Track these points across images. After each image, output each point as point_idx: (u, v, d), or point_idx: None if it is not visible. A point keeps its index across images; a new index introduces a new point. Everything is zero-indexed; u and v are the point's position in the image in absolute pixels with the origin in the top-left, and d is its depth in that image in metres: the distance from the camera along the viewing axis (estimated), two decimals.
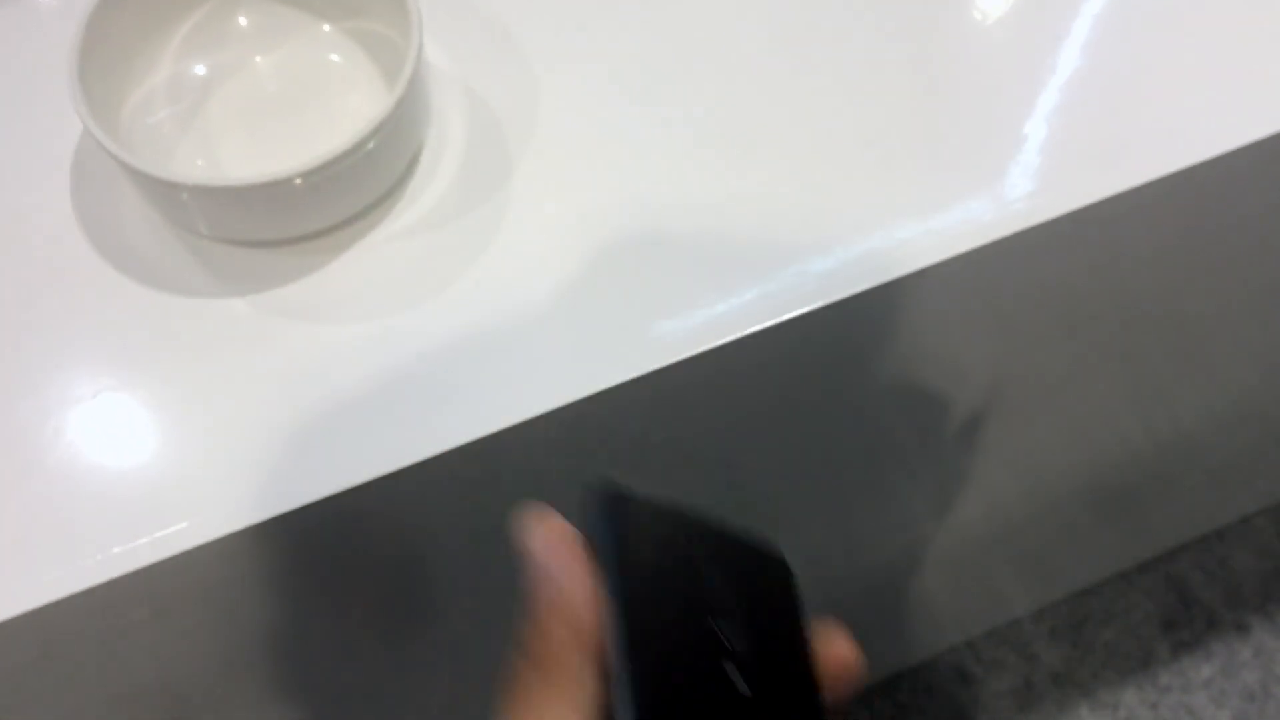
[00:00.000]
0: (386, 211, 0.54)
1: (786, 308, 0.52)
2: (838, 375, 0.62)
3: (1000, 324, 0.67)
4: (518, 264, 0.53)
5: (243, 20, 0.54)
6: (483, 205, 0.54)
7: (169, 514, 0.47)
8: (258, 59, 0.55)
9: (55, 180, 0.55)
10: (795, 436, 0.68)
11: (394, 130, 0.49)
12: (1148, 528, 1.27)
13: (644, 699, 0.32)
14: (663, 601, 0.34)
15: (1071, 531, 1.16)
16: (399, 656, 0.67)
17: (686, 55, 0.59)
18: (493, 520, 0.40)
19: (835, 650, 0.36)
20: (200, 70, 0.55)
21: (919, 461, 0.92)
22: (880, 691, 1.28)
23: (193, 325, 0.52)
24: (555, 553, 0.33)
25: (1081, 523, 1.16)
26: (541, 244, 0.53)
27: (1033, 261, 0.59)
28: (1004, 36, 0.61)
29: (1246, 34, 0.61)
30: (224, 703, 0.62)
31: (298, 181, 0.47)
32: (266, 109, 0.54)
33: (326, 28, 0.55)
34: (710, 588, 0.35)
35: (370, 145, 0.48)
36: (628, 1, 0.61)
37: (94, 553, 0.47)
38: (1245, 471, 1.24)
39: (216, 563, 0.48)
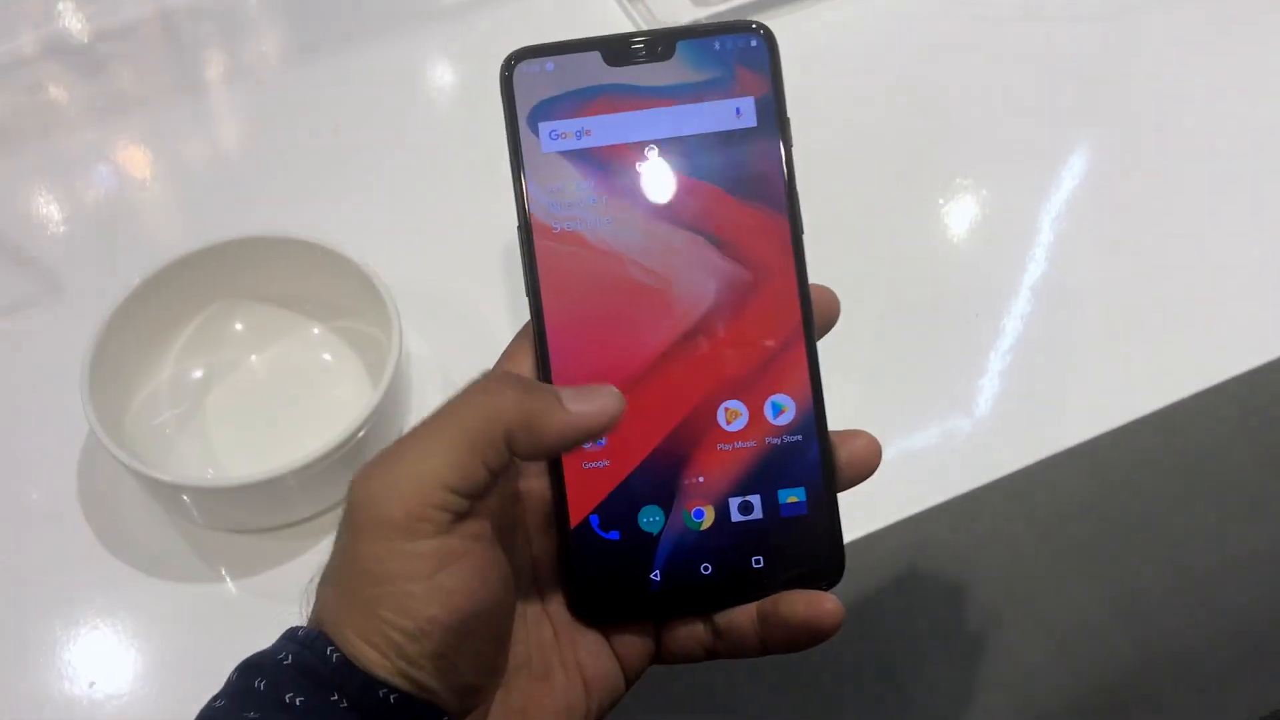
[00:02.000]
0: None
1: None
2: None
3: (986, 543, 0.70)
4: None
5: (239, 326, 0.60)
6: None
7: None
8: (253, 358, 0.60)
9: (63, 470, 0.58)
10: (785, 664, 0.70)
11: (379, 422, 0.53)
12: None
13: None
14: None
15: None
16: None
17: None
18: None
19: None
20: (199, 373, 0.59)
21: (914, 689, 0.93)
22: None
23: (187, 610, 0.54)
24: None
25: None
26: None
27: (1015, 486, 0.62)
28: (972, 285, 0.66)
29: (1193, 293, 0.66)
30: None
31: (290, 480, 0.50)
32: (261, 405, 0.59)
33: (316, 330, 0.60)
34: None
35: (358, 437, 0.52)
36: None
37: None
38: (1233, 683, 1.24)
39: None
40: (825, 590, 0.37)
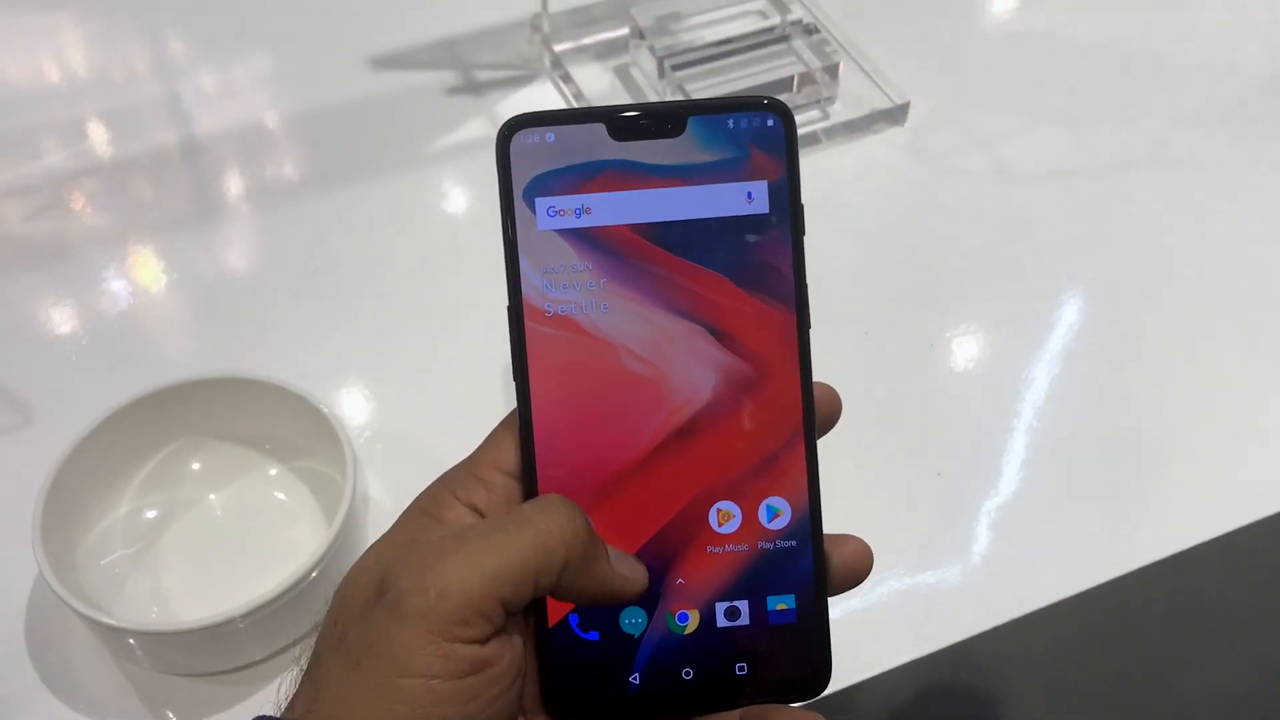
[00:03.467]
0: None
1: None
2: None
3: (983, 687, 0.69)
4: None
5: (196, 465, 0.60)
6: None
7: None
8: (211, 497, 0.60)
9: (11, 608, 0.57)
10: None
11: (331, 565, 0.53)
12: None
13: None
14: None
15: None
16: None
17: None
18: None
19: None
20: (155, 512, 0.59)
21: None
22: None
23: None
24: None
25: None
26: None
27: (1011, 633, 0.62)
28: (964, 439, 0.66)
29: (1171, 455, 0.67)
30: None
31: (239, 623, 0.50)
32: (215, 544, 0.58)
33: (273, 471, 0.60)
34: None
35: (310, 578, 0.52)
36: None
37: None
38: None
39: None
40: (810, 698, 0.36)
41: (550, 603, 0.35)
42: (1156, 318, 0.73)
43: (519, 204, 0.35)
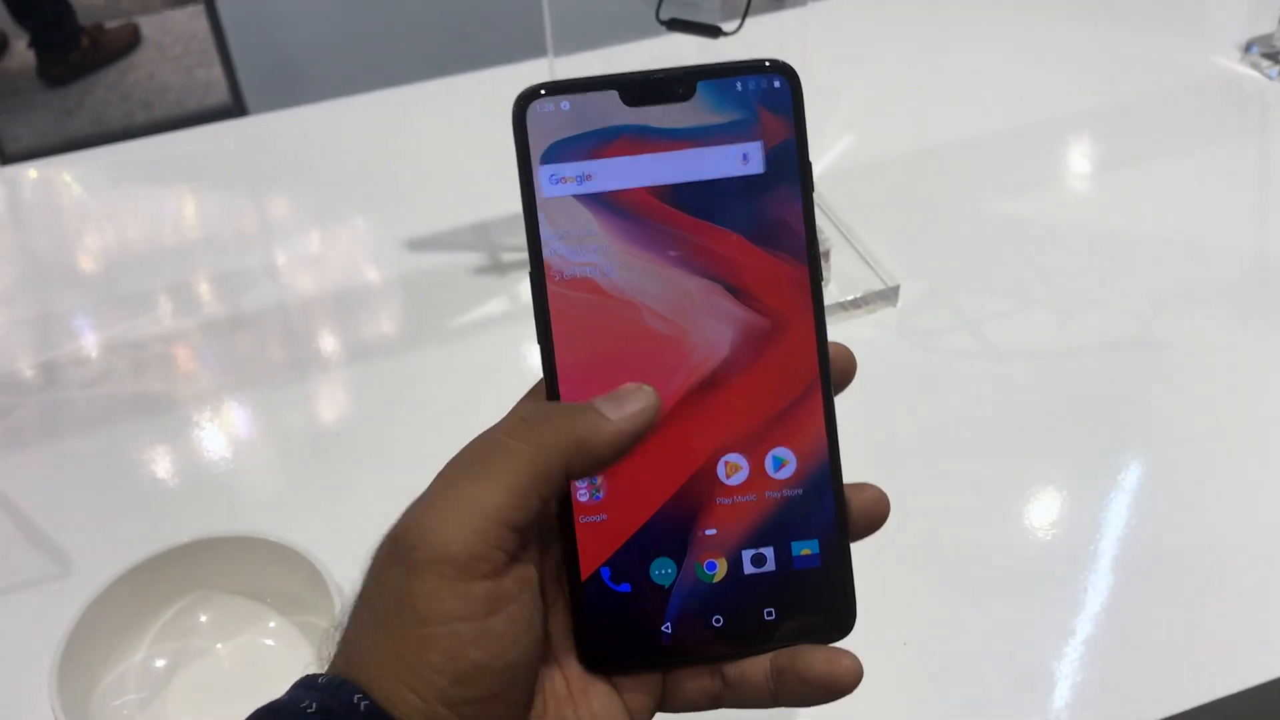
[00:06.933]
0: None
1: None
2: None
3: None
4: None
5: (204, 617, 0.65)
6: None
7: None
8: (218, 647, 0.65)
9: None
10: None
11: None
12: None
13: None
14: None
15: None
16: None
17: None
18: None
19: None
20: (165, 660, 0.64)
21: None
22: None
23: None
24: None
25: None
26: None
27: None
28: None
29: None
30: None
31: None
32: (219, 692, 0.63)
33: (273, 624, 0.65)
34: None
35: None
36: None
37: None
38: None
39: None
40: (837, 640, 0.38)
41: (582, 557, 0.37)
42: (1146, 496, 0.75)
43: (536, 170, 0.37)
